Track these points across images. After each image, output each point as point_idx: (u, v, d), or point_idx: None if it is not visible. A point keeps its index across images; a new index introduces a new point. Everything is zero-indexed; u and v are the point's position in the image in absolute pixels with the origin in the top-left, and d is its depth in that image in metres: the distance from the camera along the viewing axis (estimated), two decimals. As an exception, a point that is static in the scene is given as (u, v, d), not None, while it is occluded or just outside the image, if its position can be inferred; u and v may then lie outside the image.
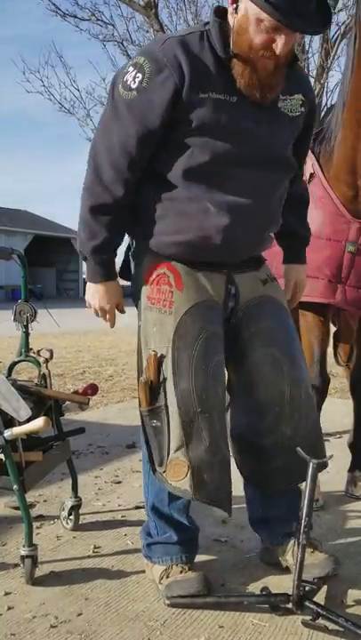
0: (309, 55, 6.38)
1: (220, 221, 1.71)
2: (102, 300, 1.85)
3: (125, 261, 1.97)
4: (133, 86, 1.61)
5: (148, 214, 1.77)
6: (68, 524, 2.37)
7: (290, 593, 1.73)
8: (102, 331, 11.57)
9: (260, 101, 1.67)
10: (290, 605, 1.73)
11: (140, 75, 1.60)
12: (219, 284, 1.81)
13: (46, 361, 2.28)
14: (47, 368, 2.28)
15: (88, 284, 1.88)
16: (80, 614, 1.77)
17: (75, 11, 6.77)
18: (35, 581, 1.94)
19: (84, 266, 1.89)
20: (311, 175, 2.54)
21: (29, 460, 2.02)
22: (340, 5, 6.14)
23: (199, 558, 2.10)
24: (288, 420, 1.83)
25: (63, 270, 33.30)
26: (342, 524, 2.44)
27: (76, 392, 2.32)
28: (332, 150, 2.45)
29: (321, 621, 1.67)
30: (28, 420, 1.94)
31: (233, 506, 1.76)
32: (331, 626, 1.67)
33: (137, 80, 1.60)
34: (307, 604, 1.71)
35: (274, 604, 1.77)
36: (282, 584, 1.90)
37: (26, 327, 2.33)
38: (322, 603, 1.77)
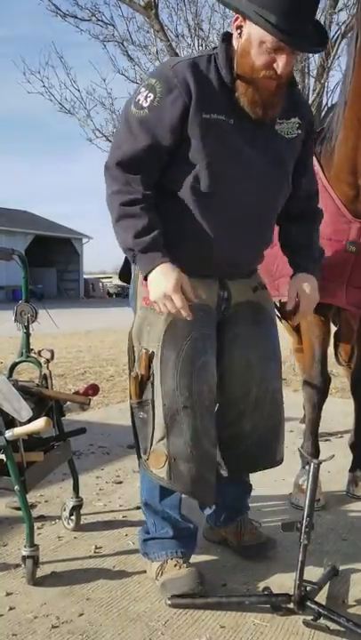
0: (310, 55, 6.36)
1: (218, 239, 1.81)
2: (166, 285, 1.70)
3: (126, 263, 2.02)
4: (145, 105, 1.70)
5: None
6: (69, 524, 2.37)
7: (291, 593, 1.73)
8: (103, 331, 11.58)
9: (262, 119, 1.76)
10: (291, 605, 1.73)
11: (151, 94, 1.69)
12: (212, 289, 1.90)
13: (47, 361, 2.28)
14: (48, 368, 2.29)
15: (148, 281, 1.76)
16: (81, 614, 1.77)
17: (75, 11, 6.74)
18: (36, 582, 1.94)
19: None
20: None
21: (30, 460, 2.03)
22: (340, 5, 6.14)
23: (201, 559, 2.10)
24: (249, 417, 1.97)
25: (64, 270, 33.32)
26: (343, 524, 2.44)
27: (76, 392, 2.33)
28: (333, 150, 2.44)
29: (322, 621, 1.68)
30: (30, 421, 1.94)
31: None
32: (332, 626, 1.67)
33: (148, 99, 1.69)
34: (308, 604, 1.71)
35: (275, 604, 1.77)
36: (283, 584, 1.91)
37: (27, 328, 2.33)
38: (323, 603, 1.77)
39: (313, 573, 1.91)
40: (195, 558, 2.07)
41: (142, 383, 1.84)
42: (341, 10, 6.08)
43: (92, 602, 1.85)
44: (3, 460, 1.93)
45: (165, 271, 1.72)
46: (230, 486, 2.09)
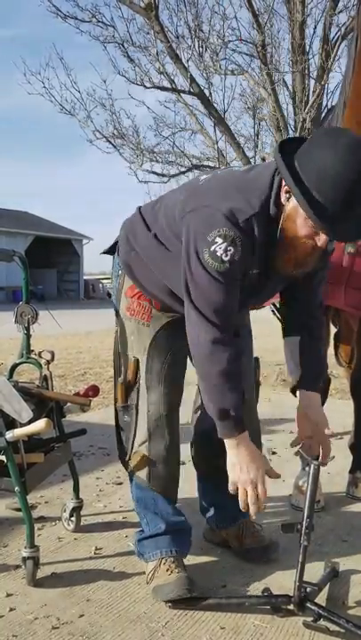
0: (310, 56, 6.37)
1: None
2: (255, 475, 1.71)
3: (112, 247, 2.10)
4: (226, 259, 1.63)
5: (147, 280, 1.92)
6: (69, 525, 2.37)
7: (291, 594, 1.73)
8: (103, 332, 11.58)
9: (290, 274, 1.78)
10: (291, 607, 1.74)
11: (231, 248, 1.62)
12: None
13: (47, 363, 2.29)
14: (48, 370, 2.29)
15: (230, 454, 1.75)
16: (82, 616, 1.77)
17: (75, 12, 6.72)
18: (36, 583, 1.94)
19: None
20: None
21: (31, 461, 2.03)
22: (340, 7, 6.15)
23: (201, 560, 2.10)
24: None
25: (64, 271, 33.29)
26: (343, 526, 2.44)
27: (77, 394, 2.33)
28: None
29: (322, 623, 1.68)
30: (30, 422, 1.94)
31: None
32: (332, 627, 1.67)
33: (229, 253, 1.63)
34: (308, 605, 1.71)
35: (275, 605, 1.78)
36: (283, 585, 1.91)
37: (27, 329, 2.33)
38: (323, 604, 1.78)
39: (313, 575, 1.91)
40: (194, 559, 2.08)
41: (129, 388, 1.96)
42: (341, 11, 6.08)
43: (92, 603, 1.85)
44: (3, 461, 1.93)
45: (252, 455, 1.72)
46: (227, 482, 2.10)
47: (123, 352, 1.99)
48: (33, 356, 2.34)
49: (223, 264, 1.63)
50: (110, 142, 7.14)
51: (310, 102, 6.03)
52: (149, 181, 7.18)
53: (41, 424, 1.91)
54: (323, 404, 2.65)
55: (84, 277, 34.30)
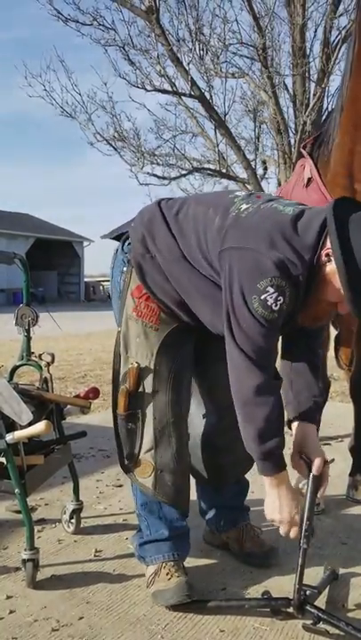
0: (311, 60, 6.39)
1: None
2: (290, 513, 1.71)
3: (119, 235, 2.01)
4: (275, 308, 1.61)
5: (159, 288, 1.85)
6: (69, 527, 2.37)
7: (291, 597, 1.73)
8: (103, 334, 11.58)
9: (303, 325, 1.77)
10: (291, 609, 1.74)
11: (281, 298, 1.60)
12: None
13: (48, 365, 2.29)
14: (49, 372, 2.29)
15: (268, 492, 1.75)
16: (81, 618, 1.77)
17: (77, 15, 6.75)
18: (36, 585, 1.94)
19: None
20: (309, 180, 2.55)
21: (31, 463, 2.03)
22: (341, 10, 6.16)
23: (201, 562, 2.10)
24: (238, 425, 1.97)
25: (65, 273, 33.32)
26: (343, 528, 2.44)
27: (77, 396, 2.33)
28: (330, 154, 2.45)
29: (322, 625, 1.67)
30: (30, 424, 1.95)
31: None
32: (332, 630, 1.67)
33: (279, 303, 1.60)
34: (308, 608, 1.71)
35: (275, 607, 1.77)
36: (283, 588, 1.91)
37: (27, 331, 2.34)
38: (323, 607, 1.78)
39: (313, 577, 1.91)
40: (194, 562, 2.08)
41: (131, 397, 1.88)
42: (342, 15, 6.10)
43: (92, 605, 1.85)
44: (3, 463, 1.93)
45: (291, 496, 1.72)
46: (229, 484, 2.14)
47: (124, 354, 1.91)
48: (33, 358, 2.34)
49: (273, 313, 1.60)
50: (111, 145, 7.15)
51: (311, 105, 6.05)
52: (150, 184, 7.19)
53: (41, 426, 1.92)
54: (322, 407, 2.66)
55: (85, 279, 34.32)
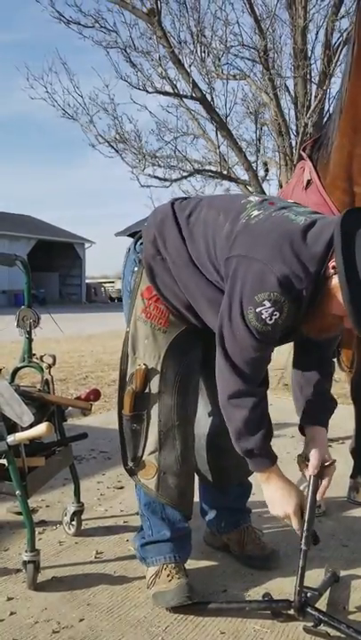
0: (312, 62, 6.38)
1: None
2: (289, 508, 1.73)
3: (134, 233, 2.00)
4: (269, 322, 1.60)
5: (169, 290, 1.85)
6: (70, 529, 2.37)
7: (291, 599, 1.74)
8: (105, 335, 11.58)
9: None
10: (291, 611, 1.74)
11: (277, 313, 1.59)
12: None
13: (49, 367, 2.29)
14: (50, 374, 2.29)
15: (266, 489, 1.77)
16: (82, 620, 1.77)
17: (78, 18, 6.75)
18: (37, 587, 1.94)
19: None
20: (308, 182, 2.55)
21: (32, 465, 2.03)
22: (342, 12, 6.16)
23: (201, 564, 2.10)
24: None
25: (66, 275, 33.37)
26: (344, 530, 2.44)
27: (78, 398, 2.33)
28: (329, 157, 2.46)
29: (323, 628, 1.68)
30: (31, 426, 1.95)
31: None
32: (332, 632, 1.67)
33: (274, 318, 1.59)
34: (308, 610, 1.71)
35: (275, 610, 1.78)
36: (283, 590, 1.91)
37: (29, 333, 2.34)
38: (323, 609, 1.78)
39: (313, 579, 1.91)
40: (195, 564, 2.08)
41: (137, 398, 1.89)
42: (343, 17, 6.09)
43: (92, 607, 1.85)
44: (4, 464, 1.93)
45: (283, 490, 1.74)
46: (232, 486, 2.14)
47: (132, 355, 1.91)
48: (35, 360, 2.34)
49: (266, 326, 1.60)
50: (113, 147, 7.15)
51: (312, 107, 6.05)
52: (152, 186, 7.19)
53: (42, 428, 1.92)
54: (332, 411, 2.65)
55: (86, 281, 34.36)
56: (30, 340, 2.35)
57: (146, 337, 1.89)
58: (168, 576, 1.87)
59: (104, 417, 4.51)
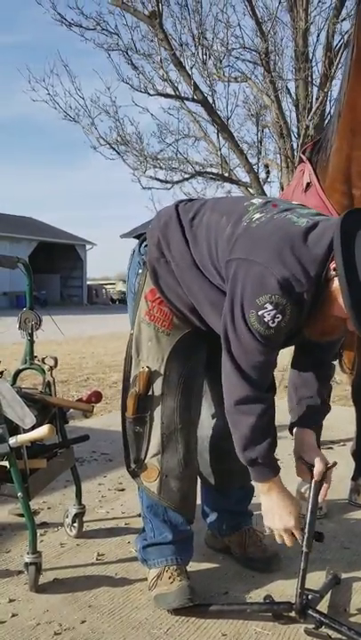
0: (313, 64, 6.39)
1: None
2: (289, 522, 1.73)
3: (139, 234, 2.00)
4: (272, 325, 1.59)
5: (172, 293, 1.85)
6: (71, 531, 2.38)
7: (293, 601, 1.74)
8: (106, 337, 11.59)
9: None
10: (293, 614, 1.74)
11: (280, 316, 1.58)
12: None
13: (51, 369, 2.29)
14: (52, 376, 2.30)
15: (264, 501, 1.78)
16: (84, 622, 1.77)
17: (80, 20, 6.76)
18: (38, 588, 1.95)
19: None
20: (308, 185, 2.56)
21: (34, 467, 2.04)
22: (343, 14, 6.17)
23: (203, 566, 2.11)
24: None
25: (67, 277, 33.40)
26: (345, 532, 2.44)
27: (80, 400, 2.34)
28: (328, 160, 2.46)
29: (324, 630, 1.68)
30: (33, 428, 1.95)
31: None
32: (334, 634, 1.67)
33: (276, 321, 1.58)
34: (310, 612, 1.71)
35: (277, 612, 1.78)
36: (285, 592, 1.91)
37: (31, 335, 2.34)
38: (325, 611, 1.78)
39: (315, 582, 1.91)
40: (196, 566, 2.08)
41: (140, 400, 1.88)
42: (345, 19, 6.10)
43: (94, 609, 1.85)
44: (6, 466, 1.94)
45: (284, 501, 1.73)
46: (234, 489, 2.14)
47: (136, 357, 1.91)
48: (36, 361, 2.35)
49: (269, 330, 1.59)
50: (114, 149, 7.16)
51: (313, 109, 6.05)
52: (153, 188, 7.20)
53: (44, 430, 1.92)
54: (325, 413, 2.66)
55: (88, 283, 34.39)
56: (32, 342, 2.35)
57: (149, 339, 1.89)
58: (170, 578, 1.87)
59: (105, 419, 4.52)
